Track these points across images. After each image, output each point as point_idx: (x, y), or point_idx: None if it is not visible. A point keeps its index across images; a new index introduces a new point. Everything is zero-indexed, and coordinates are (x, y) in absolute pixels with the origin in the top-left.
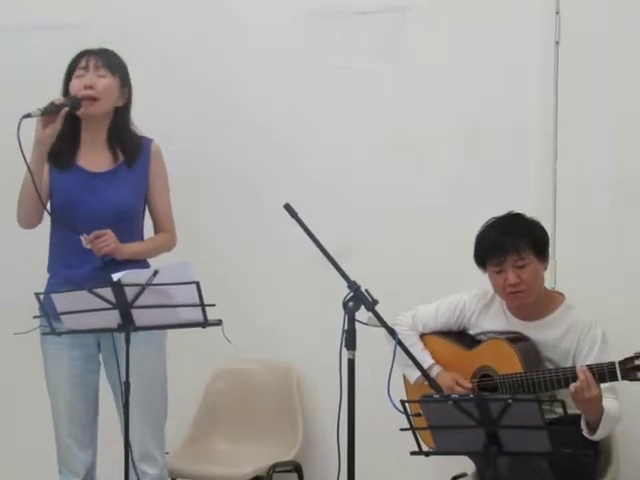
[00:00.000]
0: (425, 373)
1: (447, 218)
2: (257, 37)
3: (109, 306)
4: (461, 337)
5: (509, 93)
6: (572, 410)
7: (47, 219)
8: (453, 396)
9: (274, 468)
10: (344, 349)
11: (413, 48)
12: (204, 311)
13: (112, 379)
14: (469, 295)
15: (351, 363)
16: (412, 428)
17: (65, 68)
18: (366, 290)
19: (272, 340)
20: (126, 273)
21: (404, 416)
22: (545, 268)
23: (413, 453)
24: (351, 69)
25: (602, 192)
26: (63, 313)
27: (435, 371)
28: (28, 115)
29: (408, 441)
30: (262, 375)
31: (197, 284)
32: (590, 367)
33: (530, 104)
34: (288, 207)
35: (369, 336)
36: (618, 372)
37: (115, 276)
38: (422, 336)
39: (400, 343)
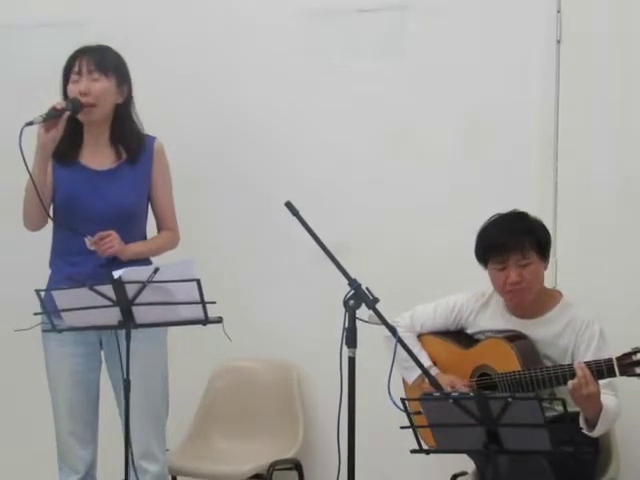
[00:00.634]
0: (425, 370)
1: (447, 217)
2: (257, 37)
3: (110, 303)
4: (459, 337)
5: (510, 92)
6: (572, 408)
7: (51, 211)
8: (453, 394)
9: (274, 466)
10: (345, 347)
11: (413, 47)
12: (205, 308)
13: (114, 377)
14: (466, 295)
15: (352, 361)
16: (412, 426)
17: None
18: (367, 288)
19: (273, 338)
20: (127, 270)
21: (404, 414)
22: (545, 267)
23: (413, 451)
24: (351, 68)
25: (603, 191)
26: (64, 310)
27: (432, 373)
28: (30, 123)
29: (408, 439)
30: (262, 373)
31: (198, 282)
32: (588, 364)
33: (531, 103)
34: (289, 205)
35: (370, 334)
36: (616, 368)
37: (116, 273)
38: (420, 336)
39: (400, 341)
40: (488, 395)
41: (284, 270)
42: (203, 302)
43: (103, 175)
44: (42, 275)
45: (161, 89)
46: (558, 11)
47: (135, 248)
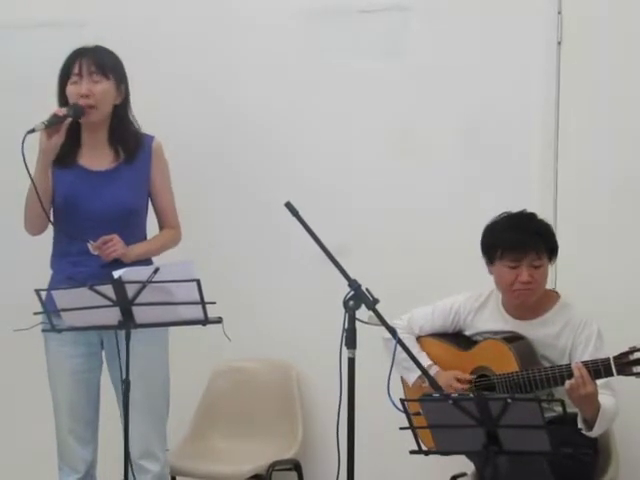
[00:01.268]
0: (424, 370)
1: (447, 218)
2: (257, 37)
3: (110, 303)
4: (457, 338)
5: (511, 93)
6: (570, 409)
7: (51, 214)
8: (453, 395)
9: (274, 466)
10: (344, 348)
11: (414, 47)
12: (204, 309)
13: (114, 376)
14: (464, 297)
15: (351, 362)
16: (412, 427)
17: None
18: (367, 289)
19: (272, 338)
20: (127, 270)
21: (404, 415)
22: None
23: (413, 452)
24: (352, 68)
25: (603, 192)
26: (64, 310)
27: (433, 371)
28: (32, 130)
29: (408, 440)
30: (262, 373)
31: (197, 282)
32: (585, 363)
33: (532, 104)
34: (289, 205)
35: (369, 335)
36: (613, 367)
37: (116, 273)
38: (419, 338)
39: (400, 342)
40: (487, 396)
41: (284, 270)
42: (203, 302)
43: (102, 176)
44: (42, 275)
45: (161, 89)
46: (559, 12)
47: (138, 250)
